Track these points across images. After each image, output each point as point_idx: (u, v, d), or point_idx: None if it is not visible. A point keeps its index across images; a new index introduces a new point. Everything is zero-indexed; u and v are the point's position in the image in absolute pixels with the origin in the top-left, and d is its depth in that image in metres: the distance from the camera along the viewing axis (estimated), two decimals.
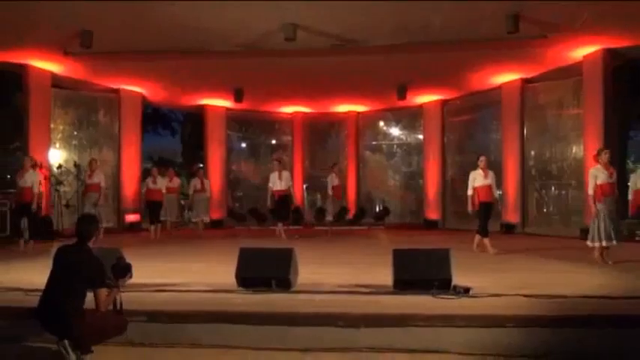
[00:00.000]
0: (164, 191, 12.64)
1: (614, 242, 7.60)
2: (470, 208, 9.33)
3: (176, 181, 13.56)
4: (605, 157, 7.77)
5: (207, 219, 13.69)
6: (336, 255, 9.28)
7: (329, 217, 13.67)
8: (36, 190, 9.79)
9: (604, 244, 7.59)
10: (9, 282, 6.09)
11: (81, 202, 11.51)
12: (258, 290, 5.56)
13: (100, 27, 9.63)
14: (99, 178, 11.20)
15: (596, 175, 7.72)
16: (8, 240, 10.76)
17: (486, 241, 9.10)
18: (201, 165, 15.06)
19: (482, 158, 9.47)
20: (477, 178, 9.21)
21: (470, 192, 9.30)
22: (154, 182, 12.55)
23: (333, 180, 13.96)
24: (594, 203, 7.74)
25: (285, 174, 12.44)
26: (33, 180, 9.77)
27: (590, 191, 7.80)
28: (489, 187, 9.22)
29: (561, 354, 4.31)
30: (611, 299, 5.14)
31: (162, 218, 12.87)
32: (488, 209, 9.27)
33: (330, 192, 14.01)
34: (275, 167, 12.63)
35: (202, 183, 13.36)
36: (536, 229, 12.96)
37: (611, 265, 7.46)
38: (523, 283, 5.95)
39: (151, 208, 12.55)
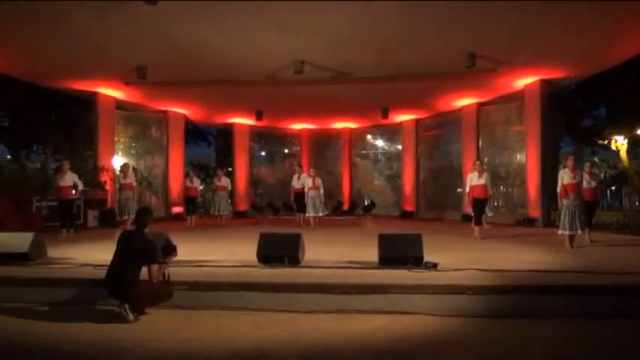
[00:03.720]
0: (200, 189, 12.28)
1: (579, 231, 7.11)
2: (466, 203, 8.72)
3: (225, 181, 12.56)
4: (570, 162, 7.31)
5: (319, 213, 11.20)
6: (335, 238, 9.12)
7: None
8: (81, 187, 9.29)
9: (568, 233, 7.11)
10: (82, 259, 6.10)
11: (120, 198, 10.37)
12: (274, 265, 5.55)
13: (153, 63, 9.67)
14: (131, 179, 10.50)
15: (563, 177, 7.25)
16: (82, 227, 10.78)
17: (477, 229, 8.65)
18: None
19: (477, 162, 9.01)
20: (473, 179, 8.71)
21: (467, 190, 8.86)
22: (191, 182, 12.32)
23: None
24: (561, 199, 7.27)
25: (303, 176, 11.85)
26: (74, 179, 9.19)
27: (558, 189, 7.31)
28: (483, 186, 8.61)
29: (505, 314, 4.30)
30: (538, 272, 5.09)
31: (214, 213, 12.23)
32: (480, 204, 8.68)
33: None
34: (296, 170, 12.23)
35: (314, 181, 11.24)
36: (489, 219, 12.85)
37: (567, 249, 6.98)
38: (479, 260, 5.91)
39: (188, 202, 12.37)
